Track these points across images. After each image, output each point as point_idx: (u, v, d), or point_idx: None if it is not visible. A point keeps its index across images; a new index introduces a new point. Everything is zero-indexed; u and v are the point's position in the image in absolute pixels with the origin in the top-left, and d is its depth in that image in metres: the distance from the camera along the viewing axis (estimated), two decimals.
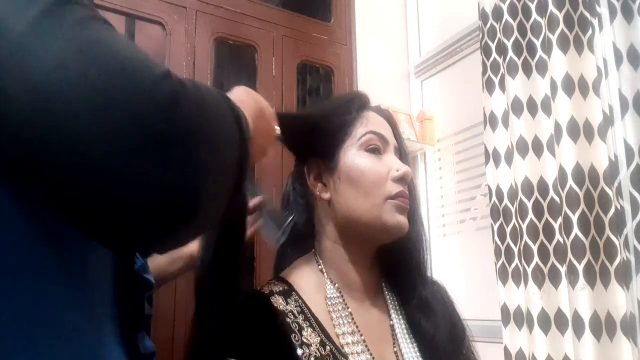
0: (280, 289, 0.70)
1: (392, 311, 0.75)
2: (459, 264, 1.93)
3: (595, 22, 1.37)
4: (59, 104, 0.33)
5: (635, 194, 1.24)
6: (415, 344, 0.73)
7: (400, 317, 0.75)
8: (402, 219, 0.71)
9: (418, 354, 0.72)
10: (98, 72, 0.34)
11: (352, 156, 0.73)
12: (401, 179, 0.72)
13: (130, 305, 0.49)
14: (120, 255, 0.48)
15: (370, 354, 0.68)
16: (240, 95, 0.58)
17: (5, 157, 0.35)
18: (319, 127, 0.75)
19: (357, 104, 0.78)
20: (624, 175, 1.27)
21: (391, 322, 0.74)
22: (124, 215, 0.36)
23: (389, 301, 0.76)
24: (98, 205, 0.35)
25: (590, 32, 1.39)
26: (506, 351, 1.47)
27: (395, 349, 0.72)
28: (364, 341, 0.69)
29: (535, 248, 1.41)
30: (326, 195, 0.74)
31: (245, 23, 1.85)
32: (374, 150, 0.74)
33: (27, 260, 0.38)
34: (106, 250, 0.44)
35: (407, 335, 0.73)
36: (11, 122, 0.33)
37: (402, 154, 0.78)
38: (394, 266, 0.77)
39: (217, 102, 0.42)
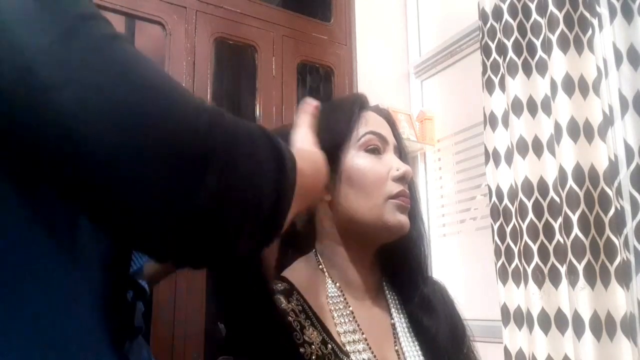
0: (282, 288, 0.70)
1: (393, 310, 0.75)
2: (459, 264, 1.93)
3: (595, 22, 1.37)
4: (96, 128, 0.33)
5: (635, 194, 1.24)
6: (416, 343, 0.73)
7: (402, 316, 0.75)
8: (404, 219, 0.71)
9: (419, 352, 0.72)
10: (138, 98, 0.34)
11: (352, 157, 0.73)
12: (401, 178, 0.72)
13: (120, 313, 0.48)
14: (116, 256, 0.47)
15: (372, 353, 0.68)
16: (318, 155, 0.57)
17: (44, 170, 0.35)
18: (320, 134, 0.76)
19: (358, 105, 0.78)
20: (624, 175, 1.27)
21: (392, 320, 0.74)
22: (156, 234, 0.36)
23: (390, 300, 0.77)
24: (131, 221, 0.35)
25: (590, 32, 1.39)
26: (506, 351, 1.48)
27: (396, 348, 0.72)
28: (366, 340, 0.69)
29: (535, 248, 1.41)
30: (327, 197, 0.74)
31: (245, 23, 1.85)
32: (374, 151, 0.74)
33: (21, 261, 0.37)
34: (98, 249, 0.44)
35: (408, 334, 0.74)
36: (47, 141, 0.33)
37: (402, 153, 0.78)
38: (395, 265, 0.78)
39: (255, 140, 0.41)
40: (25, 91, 0.33)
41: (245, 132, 0.40)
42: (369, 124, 0.75)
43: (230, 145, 0.38)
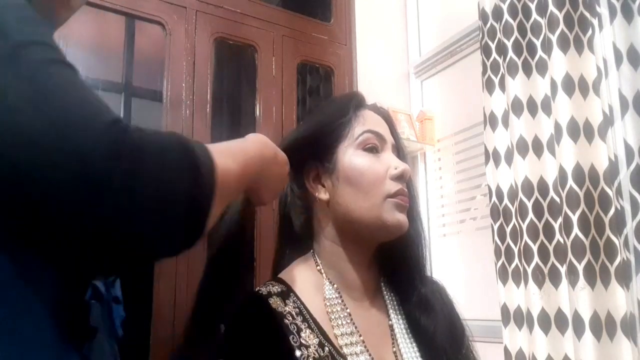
0: (279, 290, 0.70)
1: (391, 311, 0.75)
2: (459, 264, 1.93)
3: (595, 22, 1.37)
4: (5, 148, 0.35)
5: (635, 194, 1.24)
6: (414, 344, 0.73)
7: (399, 317, 0.75)
8: (402, 217, 0.71)
9: (418, 353, 0.72)
10: (45, 123, 0.36)
11: (350, 156, 0.73)
12: (400, 177, 0.72)
13: (75, 314, 0.49)
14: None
15: (369, 355, 0.68)
16: (247, 144, 0.61)
17: None
18: (317, 133, 0.76)
19: (354, 104, 0.77)
20: (624, 175, 1.27)
21: (390, 322, 0.74)
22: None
23: (388, 301, 0.76)
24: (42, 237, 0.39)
25: (590, 32, 1.38)
26: (506, 351, 1.47)
27: (394, 349, 0.72)
28: (363, 342, 0.69)
29: (535, 248, 1.41)
30: (325, 197, 0.74)
31: (245, 23, 1.85)
32: (372, 149, 0.73)
33: None
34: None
35: (406, 335, 0.73)
36: None
37: (400, 151, 0.77)
38: (393, 265, 0.77)
39: (165, 156, 0.43)
40: None
41: (154, 149, 0.42)
42: (366, 123, 0.75)
43: (133, 166, 0.39)
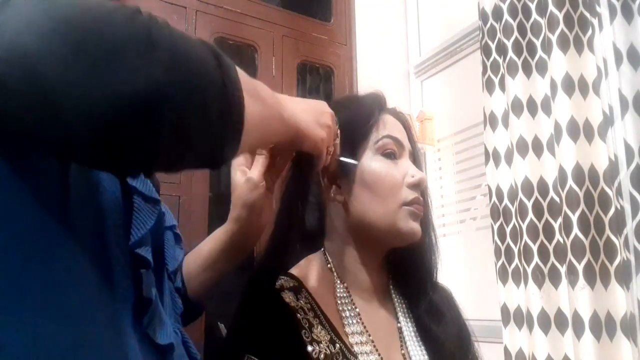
0: (291, 284, 0.70)
1: (399, 314, 0.75)
2: (459, 263, 1.93)
3: (595, 22, 1.37)
4: (32, 62, 0.32)
5: (635, 194, 1.24)
6: (423, 348, 0.73)
7: (408, 320, 0.75)
8: (416, 226, 0.71)
9: (426, 357, 0.72)
10: (69, 26, 0.34)
11: (368, 160, 0.73)
12: (416, 185, 0.72)
13: (122, 283, 0.47)
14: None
15: (379, 355, 0.68)
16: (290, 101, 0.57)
17: None
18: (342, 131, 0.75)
19: (378, 107, 0.78)
20: (624, 175, 1.27)
21: (399, 324, 0.74)
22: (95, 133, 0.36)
23: (397, 304, 0.76)
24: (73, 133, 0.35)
25: (590, 32, 1.38)
26: (506, 351, 1.47)
27: (403, 352, 0.72)
28: (372, 342, 0.69)
29: (535, 248, 1.41)
30: (340, 198, 0.74)
31: (245, 23, 1.85)
32: (390, 155, 0.73)
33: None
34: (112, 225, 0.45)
35: (415, 339, 0.73)
36: None
37: (416, 158, 0.78)
38: (404, 270, 0.78)
39: (192, 44, 0.41)
40: None
41: (180, 32, 0.40)
42: (387, 128, 0.75)
43: (171, 40, 0.37)
